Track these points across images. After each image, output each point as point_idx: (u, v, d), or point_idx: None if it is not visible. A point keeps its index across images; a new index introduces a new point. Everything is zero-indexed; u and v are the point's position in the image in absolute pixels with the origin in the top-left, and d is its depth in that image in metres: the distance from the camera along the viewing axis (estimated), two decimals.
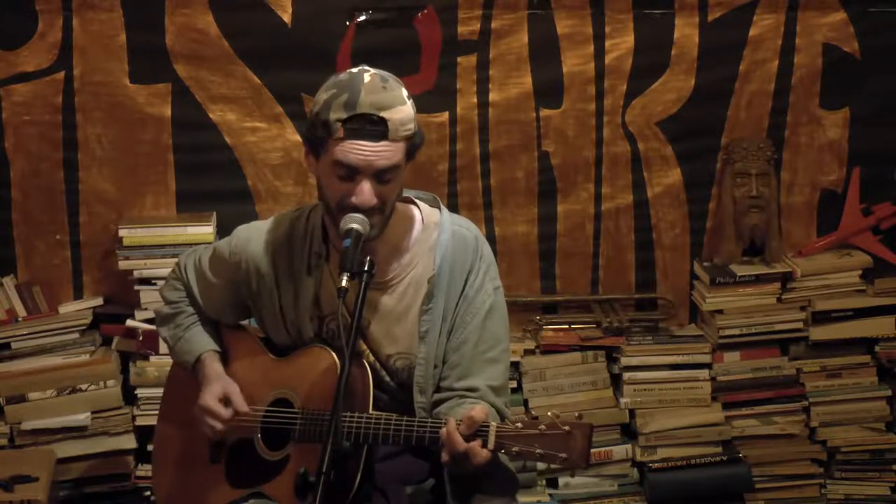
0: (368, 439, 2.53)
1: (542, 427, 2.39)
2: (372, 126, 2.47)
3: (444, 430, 2.45)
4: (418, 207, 2.72)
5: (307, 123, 2.58)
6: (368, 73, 2.53)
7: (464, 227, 2.70)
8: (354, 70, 2.55)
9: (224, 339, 2.90)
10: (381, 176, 2.51)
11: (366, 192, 2.50)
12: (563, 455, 2.37)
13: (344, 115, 2.47)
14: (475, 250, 2.68)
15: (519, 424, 2.41)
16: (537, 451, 2.38)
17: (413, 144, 2.55)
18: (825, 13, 3.99)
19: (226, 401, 2.72)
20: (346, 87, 2.50)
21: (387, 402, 2.69)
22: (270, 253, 2.74)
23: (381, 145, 2.49)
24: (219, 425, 2.71)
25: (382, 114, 2.48)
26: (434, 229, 2.68)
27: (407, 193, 2.74)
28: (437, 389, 2.68)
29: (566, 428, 2.37)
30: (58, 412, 3.81)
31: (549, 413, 2.41)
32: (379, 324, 2.68)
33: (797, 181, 4.13)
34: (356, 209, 2.51)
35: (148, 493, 3.80)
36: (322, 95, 2.52)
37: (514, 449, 2.40)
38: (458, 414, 2.52)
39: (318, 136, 2.53)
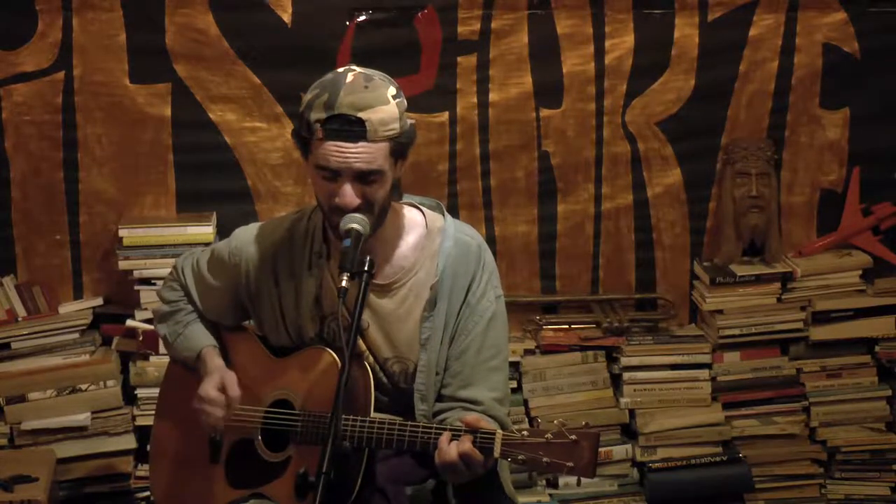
0: (371, 444, 2.52)
1: (549, 436, 2.36)
2: (349, 126, 2.46)
3: (442, 438, 2.44)
4: (422, 213, 2.72)
5: (296, 123, 2.57)
6: (352, 73, 2.52)
7: (467, 235, 2.70)
8: (341, 70, 2.55)
9: (223, 340, 2.89)
10: (363, 177, 2.50)
11: (347, 193, 2.49)
12: (570, 464, 2.35)
13: (323, 116, 2.47)
14: (478, 258, 2.67)
15: (525, 432, 2.39)
16: (543, 459, 2.36)
17: (399, 144, 2.52)
18: (825, 13, 3.99)
19: (222, 388, 2.71)
20: (328, 87, 2.49)
21: (387, 404, 2.68)
22: (271, 254, 2.73)
23: (360, 146, 2.47)
24: (219, 412, 2.68)
25: (360, 114, 2.46)
26: (437, 236, 2.68)
27: (410, 199, 2.74)
28: (439, 398, 2.67)
29: (573, 437, 2.35)
30: (58, 412, 3.81)
31: (555, 421, 2.39)
32: (378, 326, 2.67)
33: (797, 181, 4.13)
34: (341, 210, 2.50)
35: (147, 493, 3.80)
36: (307, 95, 2.52)
37: (520, 457, 2.39)
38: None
39: (303, 137, 2.53)
